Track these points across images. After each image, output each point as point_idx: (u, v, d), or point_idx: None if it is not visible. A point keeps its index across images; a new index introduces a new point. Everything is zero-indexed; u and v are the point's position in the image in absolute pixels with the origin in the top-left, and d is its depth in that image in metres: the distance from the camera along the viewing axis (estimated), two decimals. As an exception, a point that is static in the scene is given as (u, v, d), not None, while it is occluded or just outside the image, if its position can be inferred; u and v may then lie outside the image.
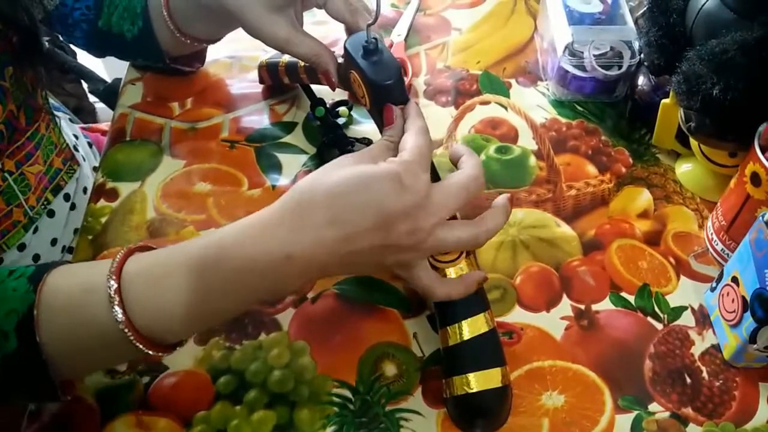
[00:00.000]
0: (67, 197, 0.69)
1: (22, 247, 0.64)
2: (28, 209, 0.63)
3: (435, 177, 0.49)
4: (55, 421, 0.48)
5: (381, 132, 0.51)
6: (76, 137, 0.77)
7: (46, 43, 0.92)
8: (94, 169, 0.79)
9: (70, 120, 0.81)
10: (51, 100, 0.71)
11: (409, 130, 0.45)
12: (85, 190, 0.72)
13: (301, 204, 0.40)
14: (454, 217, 0.45)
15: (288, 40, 0.55)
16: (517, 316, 0.54)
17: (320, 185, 0.40)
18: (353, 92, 0.54)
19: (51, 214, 0.67)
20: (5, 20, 0.56)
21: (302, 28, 0.58)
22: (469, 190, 0.43)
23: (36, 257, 0.66)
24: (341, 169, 0.41)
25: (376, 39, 0.49)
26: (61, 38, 0.95)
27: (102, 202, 0.61)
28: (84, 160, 0.74)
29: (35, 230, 0.65)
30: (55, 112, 0.74)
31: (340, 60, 0.55)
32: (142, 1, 0.63)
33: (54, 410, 0.49)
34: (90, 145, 0.82)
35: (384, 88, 0.48)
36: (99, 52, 0.69)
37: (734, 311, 0.49)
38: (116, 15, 0.63)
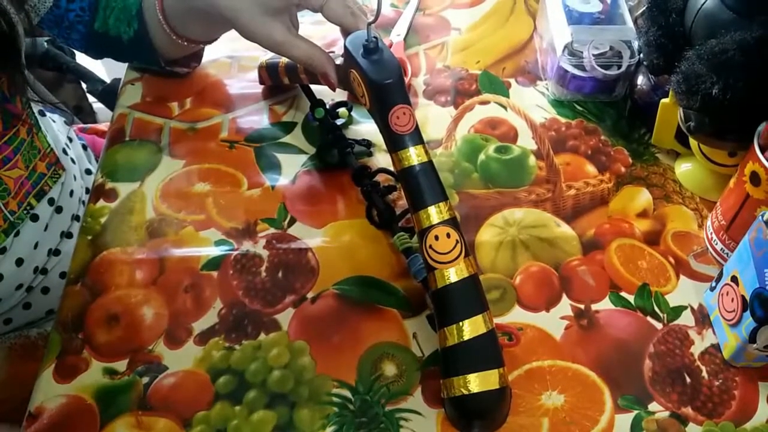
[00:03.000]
0: (51, 201, 0.68)
1: (3, 251, 0.64)
2: (8, 214, 0.63)
3: (436, 178, 0.49)
4: (55, 422, 0.48)
5: (381, 132, 0.51)
6: (70, 139, 0.76)
7: (45, 44, 0.92)
8: (87, 171, 0.78)
9: (66, 122, 0.80)
10: (41, 106, 0.71)
11: None
12: (71, 193, 0.72)
13: None
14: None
15: (283, 43, 0.55)
16: (516, 315, 0.54)
17: None
18: (353, 91, 0.54)
19: (35, 218, 0.66)
20: None
21: (297, 31, 0.58)
22: None
23: (19, 261, 0.65)
24: None
25: (376, 38, 0.49)
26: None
27: (101, 203, 0.61)
28: (74, 162, 0.74)
29: (17, 234, 0.65)
30: (50, 114, 0.74)
31: (338, 61, 0.55)
32: (137, 4, 0.63)
33: (53, 411, 0.49)
34: (84, 147, 0.81)
35: (384, 87, 0.48)
36: (96, 53, 0.69)
37: (734, 311, 0.49)
38: (113, 17, 0.63)
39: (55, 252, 0.70)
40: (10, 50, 0.58)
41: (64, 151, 0.72)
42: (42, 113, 0.72)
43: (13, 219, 0.64)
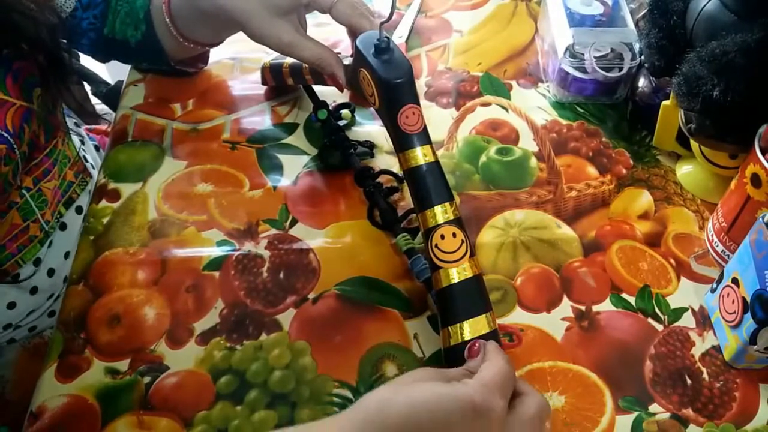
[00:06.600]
0: (79, 210, 0.69)
1: (37, 262, 0.64)
2: (44, 224, 0.63)
3: (442, 178, 0.49)
4: (56, 421, 0.48)
5: (389, 132, 0.51)
6: (83, 142, 0.77)
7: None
8: None
9: (76, 123, 0.81)
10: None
11: (490, 358, 0.42)
12: None
13: (369, 424, 0.37)
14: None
15: (292, 44, 0.55)
16: (517, 316, 0.54)
17: (391, 406, 0.37)
18: (361, 91, 0.54)
19: (63, 227, 0.67)
20: (29, 41, 0.56)
21: (305, 32, 0.58)
22: (542, 420, 0.40)
23: (50, 271, 0.66)
24: (414, 388, 0.38)
25: (387, 38, 0.49)
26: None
27: (104, 203, 0.61)
28: (93, 168, 0.74)
29: (50, 244, 0.65)
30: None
31: (346, 62, 0.56)
32: (144, 7, 0.63)
33: (55, 410, 0.49)
34: (97, 148, 0.82)
35: (394, 86, 0.49)
36: (103, 57, 0.70)
37: (734, 312, 0.49)
38: (119, 21, 0.64)
39: None
40: (60, 61, 0.58)
41: (84, 158, 0.72)
42: None
43: (47, 228, 0.64)
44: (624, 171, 0.64)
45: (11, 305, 0.63)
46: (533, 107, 0.70)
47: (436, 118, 0.68)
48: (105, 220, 0.60)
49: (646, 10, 0.61)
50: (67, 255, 0.67)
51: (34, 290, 0.65)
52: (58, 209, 0.66)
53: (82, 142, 0.76)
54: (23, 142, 0.56)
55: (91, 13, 0.63)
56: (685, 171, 0.63)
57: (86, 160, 0.72)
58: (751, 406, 0.50)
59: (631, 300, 0.55)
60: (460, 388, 0.38)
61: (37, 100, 0.58)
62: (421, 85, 0.72)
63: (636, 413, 0.49)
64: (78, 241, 0.68)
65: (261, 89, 0.71)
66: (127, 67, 0.73)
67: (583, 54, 0.66)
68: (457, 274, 0.46)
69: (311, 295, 0.55)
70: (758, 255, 0.46)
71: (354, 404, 0.38)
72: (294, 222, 0.60)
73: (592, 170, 0.64)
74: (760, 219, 0.47)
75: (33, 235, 0.63)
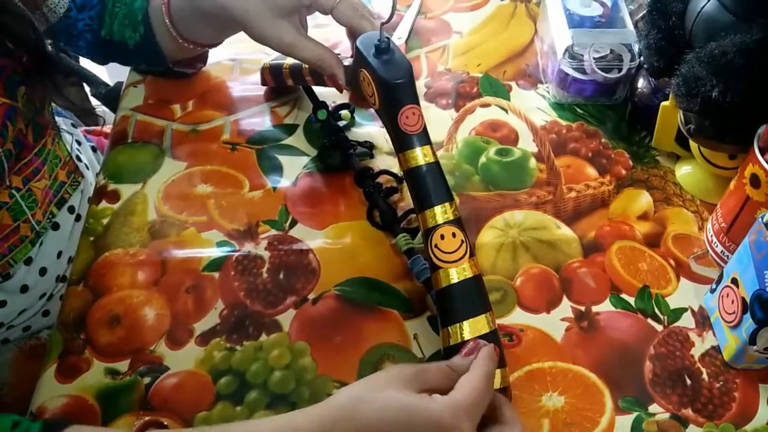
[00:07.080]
0: (71, 209, 0.69)
1: (28, 261, 0.64)
2: (35, 224, 0.63)
3: (442, 179, 0.49)
4: (56, 422, 0.48)
5: (389, 132, 0.51)
6: (79, 143, 0.77)
7: (48, 47, 0.93)
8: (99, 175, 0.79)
9: (73, 124, 0.80)
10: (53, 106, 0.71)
11: (472, 371, 0.42)
12: (89, 200, 0.72)
13: (340, 421, 0.39)
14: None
15: (293, 44, 0.55)
16: (517, 317, 0.54)
17: (361, 409, 0.39)
18: (361, 91, 0.54)
19: (55, 227, 0.67)
20: (15, 39, 0.56)
21: (306, 32, 0.58)
22: None
23: (42, 270, 0.66)
24: (387, 395, 0.39)
25: (388, 38, 0.50)
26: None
27: (103, 204, 0.61)
28: (88, 168, 0.74)
29: (41, 244, 0.65)
30: (56, 117, 0.74)
31: (346, 62, 0.56)
32: (143, 8, 0.63)
33: (55, 411, 0.49)
34: (94, 149, 0.82)
35: (395, 86, 0.49)
36: (102, 59, 0.70)
37: (734, 312, 0.49)
38: (117, 23, 0.63)
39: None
40: (44, 60, 0.58)
41: (78, 158, 0.72)
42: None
43: (38, 228, 0.64)
44: (623, 172, 0.64)
45: (1, 304, 0.63)
46: (533, 108, 0.70)
47: (436, 119, 0.68)
48: (105, 221, 0.60)
49: (645, 11, 0.61)
50: (59, 254, 0.67)
51: (24, 289, 0.64)
52: (50, 209, 0.65)
53: (78, 143, 0.76)
54: (6, 139, 0.56)
55: (86, 15, 0.63)
56: (685, 172, 0.64)
57: (80, 160, 0.72)
58: (750, 406, 0.50)
59: (631, 300, 0.55)
60: (430, 404, 0.39)
61: (22, 99, 0.58)
62: (420, 86, 0.72)
63: (636, 413, 0.49)
64: (73, 241, 0.69)
65: (260, 90, 0.71)
66: (127, 68, 0.73)
67: (582, 55, 0.66)
68: (456, 274, 0.46)
69: (311, 296, 0.55)
70: (757, 255, 0.46)
71: (327, 399, 0.39)
72: (294, 223, 0.60)
73: (591, 171, 0.64)
74: (760, 219, 0.47)
75: (24, 235, 0.63)
